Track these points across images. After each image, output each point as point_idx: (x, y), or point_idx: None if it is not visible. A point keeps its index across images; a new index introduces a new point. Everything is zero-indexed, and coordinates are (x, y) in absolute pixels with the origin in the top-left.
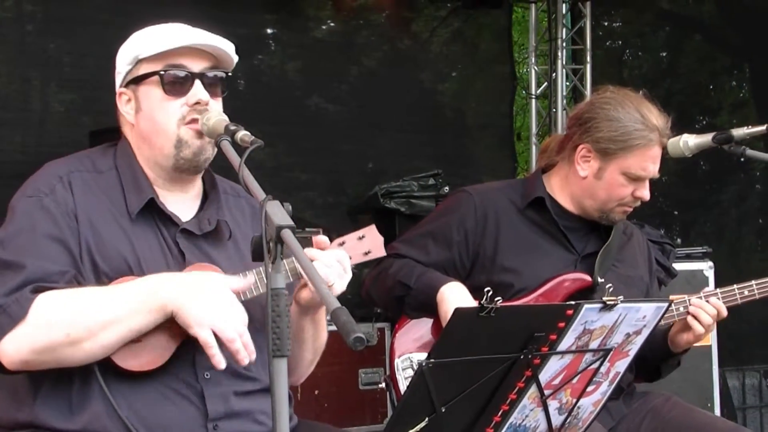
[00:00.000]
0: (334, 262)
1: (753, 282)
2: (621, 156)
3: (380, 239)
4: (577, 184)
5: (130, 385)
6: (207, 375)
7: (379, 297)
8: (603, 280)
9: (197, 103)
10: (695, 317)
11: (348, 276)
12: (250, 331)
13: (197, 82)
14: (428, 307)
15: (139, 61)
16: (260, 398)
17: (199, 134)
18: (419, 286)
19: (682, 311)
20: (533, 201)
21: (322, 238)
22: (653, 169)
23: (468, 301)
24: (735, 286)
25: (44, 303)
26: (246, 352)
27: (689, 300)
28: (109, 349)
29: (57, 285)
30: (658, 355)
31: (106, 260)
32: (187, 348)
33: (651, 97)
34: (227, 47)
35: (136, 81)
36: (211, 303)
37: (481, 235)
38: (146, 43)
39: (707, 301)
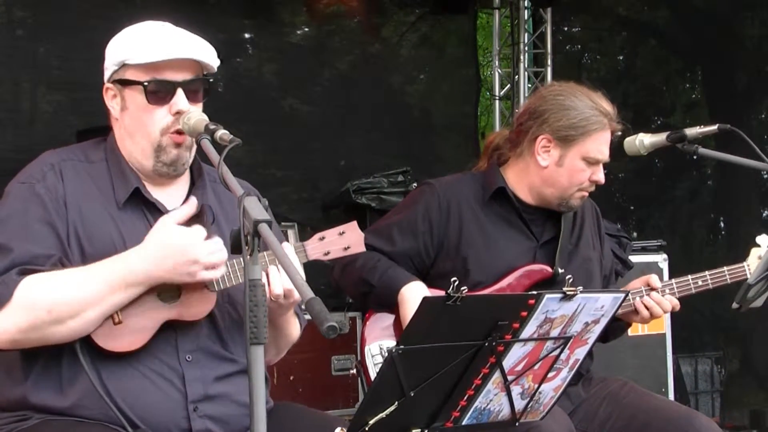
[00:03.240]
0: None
1: (706, 272)
2: (581, 141)
3: (361, 236)
4: (537, 174)
5: (115, 366)
6: (188, 358)
7: (346, 288)
8: (563, 270)
9: (178, 112)
10: (648, 308)
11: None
12: (230, 318)
13: (179, 91)
14: (390, 305)
15: (124, 65)
16: (239, 380)
17: (178, 145)
18: (381, 284)
19: (639, 301)
20: (495, 191)
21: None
22: (607, 152)
23: None
24: (689, 277)
25: (29, 284)
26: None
27: (645, 291)
28: (92, 325)
29: (42, 268)
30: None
31: (93, 244)
32: (169, 332)
33: (605, 95)
34: (209, 55)
35: (122, 83)
36: (183, 254)
37: (445, 224)
38: (133, 50)
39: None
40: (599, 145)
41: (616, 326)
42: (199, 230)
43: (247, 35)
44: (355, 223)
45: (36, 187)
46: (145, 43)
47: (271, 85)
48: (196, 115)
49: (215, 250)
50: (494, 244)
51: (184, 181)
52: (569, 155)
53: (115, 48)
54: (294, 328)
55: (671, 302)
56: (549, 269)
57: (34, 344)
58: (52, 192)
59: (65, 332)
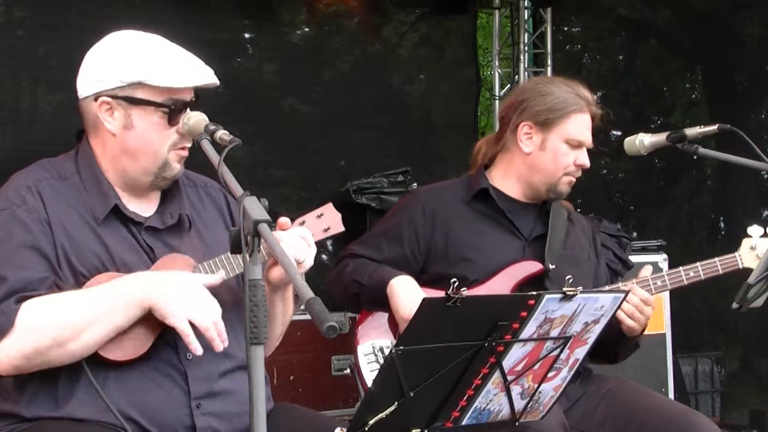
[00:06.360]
0: (298, 239)
1: (698, 264)
2: (561, 123)
3: (338, 216)
4: (522, 162)
5: (117, 373)
6: (189, 356)
7: (338, 295)
8: (554, 266)
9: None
10: (629, 316)
11: (313, 250)
12: (222, 311)
13: (188, 111)
14: (381, 301)
15: (140, 84)
16: (240, 376)
17: (181, 159)
18: (371, 282)
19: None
20: (478, 192)
21: (283, 220)
22: (588, 135)
23: (416, 291)
24: (681, 269)
25: (29, 310)
26: (220, 340)
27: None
28: (94, 347)
29: (38, 292)
30: (613, 340)
31: (82, 261)
32: (168, 334)
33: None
34: (214, 77)
35: (131, 101)
36: (186, 296)
37: (430, 230)
38: (154, 72)
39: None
40: (579, 128)
41: (630, 345)
42: (216, 304)
43: (247, 35)
44: (330, 204)
45: (17, 212)
46: (166, 66)
47: (271, 85)
48: (195, 115)
49: (217, 324)
50: (482, 244)
51: (157, 191)
52: (551, 138)
53: (121, 64)
54: (290, 307)
55: (642, 296)
56: (540, 265)
57: (37, 369)
58: (33, 214)
59: (68, 356)
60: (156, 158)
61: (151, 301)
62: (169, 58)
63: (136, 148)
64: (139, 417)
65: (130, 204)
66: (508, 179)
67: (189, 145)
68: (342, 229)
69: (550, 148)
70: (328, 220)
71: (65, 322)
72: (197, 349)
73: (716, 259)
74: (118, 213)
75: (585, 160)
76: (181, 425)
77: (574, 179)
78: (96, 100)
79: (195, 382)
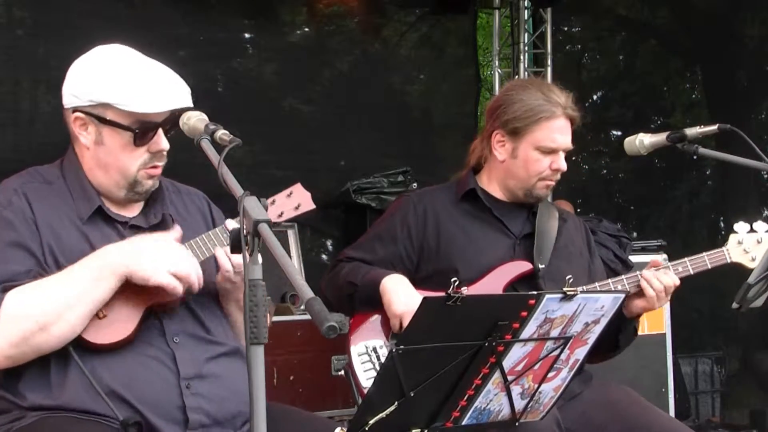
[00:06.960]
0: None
1: (686, 259)
2: (529, 131)
3: (307, 194)
4: (499, 168)
5: (106, 358)
6: (176, 339)
7: (333, 298)
8: (543, 266)
9: (159, 151)
10: (647, 282)
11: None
12: (206, 300)
13: (160, 131)
14: (374, 301)
15: (108, 106)
16: (227, 362)
17: (152, 177)
18: (364, 282)
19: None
20: (466, 193)
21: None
22: (562, 140)
23: (407, 289)
24: (669, 264)
25: (11, 299)
26: (198, 283)
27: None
28: (78, 327)
29: (23, 282)
30: (615, 325)
31: (68, 259)
32: (153, 319)
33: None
34: (189, 96)
35: (101, 120)
36: (159, 252)
37: (422, 229)
38: (122, 96)
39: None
40: (550, 134)
41: (627, 326)
42: (187, 252)
43: (247, 35)
44: (299, 184)
45: (3, 212)
46: (135, 91)
47: (271, 85)
48: (195, 115)
49: (191, 261)
50: (474, 242)
51: None
52: (521, 147)
53: (92, 83)
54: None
55: (671, 278)
56: (529, 265)
57: (27, 358)
58: (19, 215)
59: (54, 339)
60: (126, 176)
61: (126, 270)
62: (140, 83)
63: (106, 164)
64: (132, 398)
65: (114, 208)
66: (492, 183)
67: (161, 163)
68: (312, 206)
69: (521, 156)
70: (298, 197)
71: (46, 304)
72: (194, 286)
73: (704, 254)
74: (102, 214)
75: (561, 165)
76: (172, 405)
77: (551, 182)
78: (73, 113)
79: (183, 362)
